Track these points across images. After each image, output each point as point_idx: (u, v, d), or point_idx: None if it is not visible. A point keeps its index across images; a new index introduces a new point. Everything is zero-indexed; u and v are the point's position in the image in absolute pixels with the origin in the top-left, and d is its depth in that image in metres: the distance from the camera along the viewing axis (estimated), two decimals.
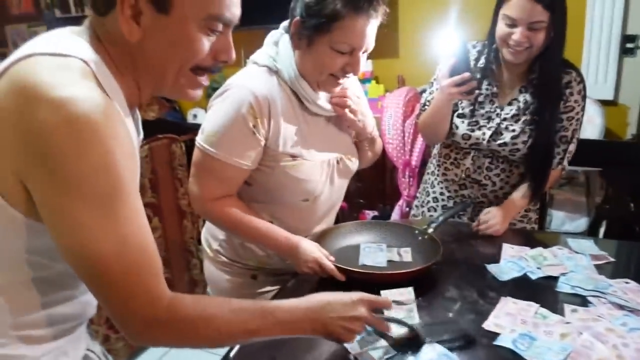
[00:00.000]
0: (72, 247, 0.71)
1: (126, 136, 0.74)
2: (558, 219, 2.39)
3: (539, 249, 1.37)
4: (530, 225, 1.70)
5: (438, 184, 1.73)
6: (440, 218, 1.43)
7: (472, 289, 1.21)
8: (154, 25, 0.77)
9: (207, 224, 1.45)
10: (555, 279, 1.23)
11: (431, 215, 1.71)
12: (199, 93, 0.87)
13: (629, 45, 2.72)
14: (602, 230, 2.33)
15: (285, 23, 1.28)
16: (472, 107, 1.59)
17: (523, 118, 1.55)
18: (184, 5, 0.77)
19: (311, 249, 1.23)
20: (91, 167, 0.68)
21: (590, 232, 2.39)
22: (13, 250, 0.76)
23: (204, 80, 0.86)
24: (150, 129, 2.44)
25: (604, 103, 2.67)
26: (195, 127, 3.77)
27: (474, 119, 1.59)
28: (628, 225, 2.26)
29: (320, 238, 1.34)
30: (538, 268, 1.28)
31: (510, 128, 1.55)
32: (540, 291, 1.19)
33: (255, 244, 1.34)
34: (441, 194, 1.72)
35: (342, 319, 0.89)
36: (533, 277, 1.25)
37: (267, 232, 1.26)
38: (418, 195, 1.83)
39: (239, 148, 1.20)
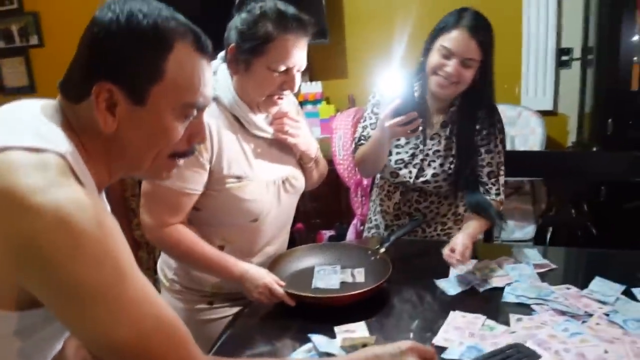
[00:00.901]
0: (94, 341, 0.71)
1: (110, 220, 0.73)
2: (507, 228, 2.48)
3: (486, 261, 1.42)
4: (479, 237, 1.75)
5: (376, 212, 1.79)
6: (392, 237, 1.46)
7: (422, 305, 1.24)
8: (129, 116, 0.77)
9: (163, 253, 1.44)
10: (501, 289, 1.28)
11: (384, 233, 1.74)
12: (171, 176, 0.89)
13: (564, 58, 2.88)
14: (548, 237, 2.42)
15: (222, 53, 1.33)
16: (398, 142, 1.62)
17: (444, 154, 1.60)
18: (160, 96, 0.77)
19: (260, 275, 1.25)
20: (86, 265, 0.67)
21: (538, 238, 2.48)
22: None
23: (181, 162, 0.88)
24: None
25: (544, 114, 2.80)
26: None
27: (399, 157, 1.62)
28: (572, 231, 2.36)
29: (275, 262, 1.35)
30: (485, 280, 1.32)
31: (433, 165, 1.60)
32: (487, 303, 1.23)
33: (207, 273, 1.34)
34: (381, 222, 1.77)
35: None
36: (480, 289, 1.29)
37: (217, 261, 1.27)
38: (368, 217, 1.86)
39: (184, 174, 1.22)
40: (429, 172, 1.60)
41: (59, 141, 0.74)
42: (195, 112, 0.82)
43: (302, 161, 1.45)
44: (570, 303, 1.18)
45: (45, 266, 0.66)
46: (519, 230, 2.53)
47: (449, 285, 1.31)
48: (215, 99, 1.28)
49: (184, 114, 0.81)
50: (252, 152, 1.32)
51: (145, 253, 2.49)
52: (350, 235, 2.15)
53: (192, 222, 1.31)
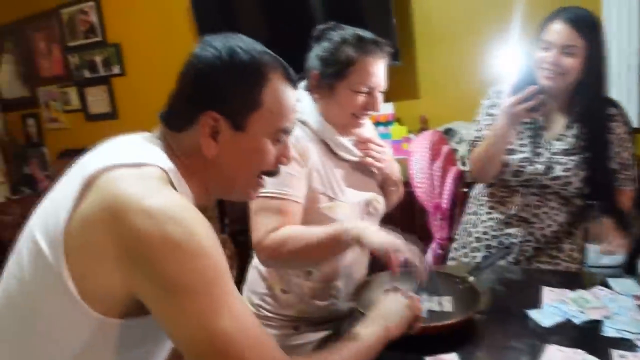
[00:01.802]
0: (193, 336, 0.75)
1: (207, 226, 0.79)
2: (594, 253, 2.36)
3: (580, 292, 1.35)
4: (575, 265, 1.69)
5: (481, 223, 1.72)
6: (481, 266, 1.43)
7: (515, 337, 1.20)
8: (230, 141, 0.86)
9: (249, 279, 1.49)
10: (599, 322, 1.22)
11: (474, 257, 1.71)
12: (255, 196, 0.98)
13: None
14: None
15: (303, 83, 1.41)
16: (521, 141, 1.61)
17: (574, 152, 1.57)
18: (258, 123, 0.87)
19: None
20: (191, 260, 0.74)
21: (629, 265, 2.34)
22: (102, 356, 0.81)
23: (264, 182, 0.97)
24: None
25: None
26: None
27: (523, 156, 1.60)
28: None
29: (360, 288, 1.35)
30: (581, 312, 1.27)
31: (562, 161, 1.57)
32: (585, 336, 1.18)
33: (324, 255, 1.29)
34: (484, 233, 1.72)
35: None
36: (576, 321, 1.24)
37: (328, 231, 1.21)
38: (457, 237, 1.83)
39: (292, 182, 1.28)
40: (558, 168, 1.57)
41: (159, 159, 0.82)
42: (283, 137, 0.92)
43: (384, 184, 1.49)
44: None
45: (154, 262, 0.73)
46: (607, 256, 2.40)
47: (543, 316, 1.26)
48: (304, 124, 1.35)
49: (277, 138, 0.91)
50: (340, 175, 1.37)
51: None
52: (429, 259, 2.12)
53: None
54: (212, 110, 0.84)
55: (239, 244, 2.64)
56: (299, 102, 1.33)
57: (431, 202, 2.15)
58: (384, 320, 1.06)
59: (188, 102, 0.87)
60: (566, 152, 1.57)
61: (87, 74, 4.38)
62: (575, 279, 1.49)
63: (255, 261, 1.49)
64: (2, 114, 5.32)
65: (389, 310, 1.10)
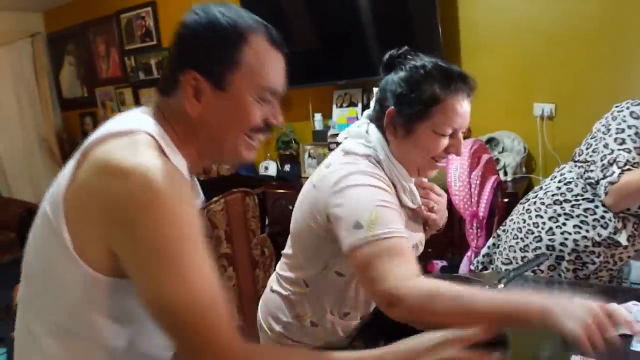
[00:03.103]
0: (151, 299, 0.80)
1: (188, 195, 0.84)
2: (638, 270, 2.30)
3: (612, 305, 1.33)
4: (618, 279, 1.67)
5: (562, 234, 1.65)
6: (512, 273, 1.43)
7: (543, 347, 1.20)
8: (212, 100, 0.89)
9: (270, 304, 1.37)
10: (629, 337, 1.21)
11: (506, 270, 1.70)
12: (252, 155, 0.98)
13: None
14: None
15: (368, 112, 1.30)
16: None
17: None
18: (238, 82, 0.90)
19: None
20: (158, 221, 0.78)
21: None
22: (94, 315, 0.86)
23: (256, 143, 0.97)
24: (225, 184, 2.59)
25: None
26: (267, 179, 3.91)
27: None
28: None
29: None
30: None
31: None
32: (613, 350, 1.16)
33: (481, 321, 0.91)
34: (562, 244, 1.65)
35: None
36: None
37: (503, 300, 0.95)
38: (512, 243, 1.78)
39: (393, 216, 1.08)
40: None
41: (147, 125, 0.87)
42: (269, 96, 0.93)
43: (427, 226, 1.38)
44: None
45: (124, 222, 0.78)
46: None
47: None
48: (379, 162, 1.20)
49: (261, 98, 0.92)
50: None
51: (262, 272, 2.61)
52: (464, 267, 2.12)
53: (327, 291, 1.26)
54: (192, 70, 0.88)
55: (278, 245, 2.71)
56: (368, 135, 1.23)
57: (468, 211, 2.15)
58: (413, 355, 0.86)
59: (172, 65, 0.93)
60: None
61: (142, 76, 4.58)
62: (609, 293, 1.47)
63: (276, 286, 1.36)
64: (61, 113, 5.62)
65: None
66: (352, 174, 1.12)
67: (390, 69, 1.24)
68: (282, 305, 1.34)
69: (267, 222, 3.35)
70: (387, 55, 1.25)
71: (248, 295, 2.55)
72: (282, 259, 1.38)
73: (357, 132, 1.25)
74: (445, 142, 1.18)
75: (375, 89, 1.32)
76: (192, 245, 0.81)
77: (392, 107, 1.19)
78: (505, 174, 2.83)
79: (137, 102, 4.70)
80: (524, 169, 2.91)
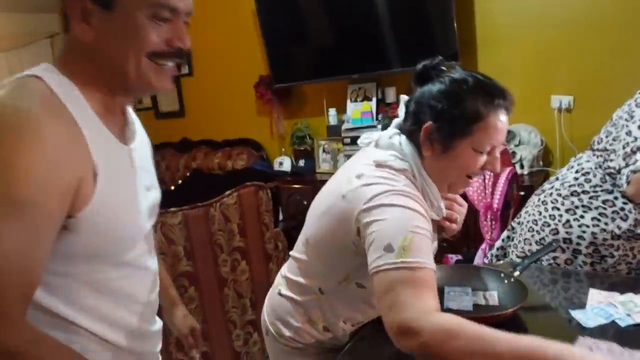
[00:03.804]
0: None
1: (57, 143, 0.78)
2: None
3: (629, 295, 1.30)
4: (636, 271, 1.63)
5: (579, 227, 1.62)
6: (526, 261, 1.41)
7: (554, 335, 1.17)
8: (103, 22, 0.84)
9: (279, 309, 1.34)
10: None
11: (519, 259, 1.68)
12: (167, 83, 0.92)
13: None
14: None
15: (397, 121, 1.25)
16: None
17: None
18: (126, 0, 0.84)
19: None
20: None
21: None
22: None
23: (170, 69, 0.91)
24: (239, 178, 2.60)
25: None
26: (281, 174, 3.91)
27: None
28: None
29: None
30: (628, 315, 1.22)
31: None
32: (629, 339, 1.13)
33: None
34: (579, 237, 1.62)
35: None
36: (622, 324, 1.19)
37: (524, 344, 0.88)
38: (528, 236, 1.74)
39: (428, 247, 1.04)
40: None
41: (41, 69, 0.85)
42: (167, 14, 0.87)
43: (443, 232, 1.36)
44: None
45: None
46: None
47: (586, 317, 1.22)
48: (414, 177, 1.15)
49: (156, 16, 0.85)
50: None
51: (275, 265, 2.62)
52: (479, 259, 2.09)
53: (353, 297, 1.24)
54: None
55: (292, 239, 2.71)
56: (401, 148, 1.17)
57: (482, 203, 2.12)
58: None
59: None
60: None
61: None
62: (628, 284, 1.44)
63: (285, 290, 1.33)
64: None
65: None
66: (391, 192, 1.06)
67: (424, 81, 1.18)
68: (292, 310, 1.30)
69: (281, 217, 3.35)
70: (420, 66, 1.19)
71: (261, 288, 2.55)
72: (293, 263, 1.34)
73: (388, 143, 1.19)
74: (483, 159, 1.14)
75: (403, 97, 1.26)
76: (20, 202, 0.75)
77: (431, 122, 1.13)
78: (522, 167, 2.79)
79: (154, 101, 4.75)
80: (541, 162, 2.87)
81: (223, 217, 2.30)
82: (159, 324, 1.12)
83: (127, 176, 0.95)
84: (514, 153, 2.81)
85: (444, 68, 1.18)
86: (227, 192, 2.34)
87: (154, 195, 1.06)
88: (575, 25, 2.74)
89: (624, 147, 1.50)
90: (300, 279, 1.29)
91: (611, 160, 1.56)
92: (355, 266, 1.17)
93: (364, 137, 1.28)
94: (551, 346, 0.85)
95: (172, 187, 2.41)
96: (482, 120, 1.10)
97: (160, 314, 1.15)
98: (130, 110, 1.04)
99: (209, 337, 2.23)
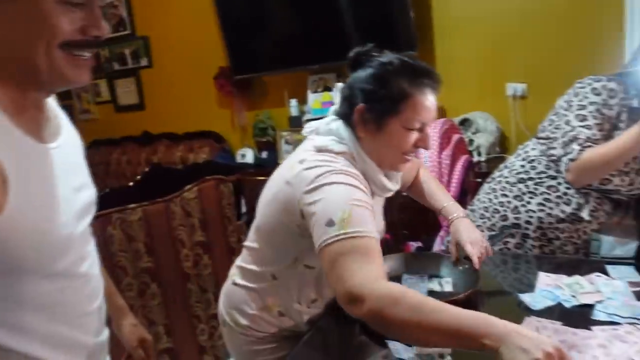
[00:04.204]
0: None
1: None
2: (608, 244, 2.33)
3: (576, 277, 1.36)
4: (583, 250, 1.71)
5: (527, 212, 1.68)
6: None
7: (504, 317, 1.22)
8: (5, 10, 0.73)
9: (233, 298, 1.37)
10: (591, 307, 1.23)
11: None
12: (83, 75, 0.81)
13: None
14: None
15: (335, 108, 1.31)
16: None
17: None
18: None
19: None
20: None
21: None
22: None
23: (86, 60, 0.81)
24: (201, 172, 2.58)
25: None
26: (244, 167, 3.88)
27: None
28: None
29: None
30: (573, 296, 1.28)
31: None
32: (574, 319, 1.19)
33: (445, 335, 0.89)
34: (527, 222, 1.67)
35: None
36: (567, 305, 1.25)
37: (468, 313, 0.89)
38: (480, 223, 1.77)
39: (369, 218, 1.08)
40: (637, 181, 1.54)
41: None
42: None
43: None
44: None
45: None
46: (620, 247, 2.36)
47: (534, 300, 1.27)
48: (353, 159, 1.21)
49: (67, 1, 0.75)
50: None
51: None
52: (437, 246, 2.14)
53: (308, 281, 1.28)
54: None
55: None
56: (338, 132, 1.23)
57: None
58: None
59: None
60: None
61: (116, 66, 4.52)
62: (574, 265, 1.50)
63: (240, 279, 1.37)
64: None
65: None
66: (330, 172, 1.11)
67: (357, 66, 1.24)
68: (247, 298, 1.33)
69: (244, 210, 3.34)
70: (352, 52, 1.25)
71: (224, 283, 2.55)
72: (246, 252, 1.37)
73: (327, 129, 1.25)
74: (414, 136, 1.21)
75: (338, 84, 1.31)
76: None
77: (362, 104, 1.20)
78: (479, 154, 2.86)
79: (113, 94, 4.65)
80: (497, 149, 2.93)
81: (184, 212, 2.28)
82: (105, 334, 1.01)
83: (48, 178, 0.83)
84: (471, 141, 2.87)
85: (374, 54, 1.23)
86: (188, 187, 2.32)
87: (87, 194, 0.95)
88: (529, 15, 2.80)
89: (562, 136, 1.57)
90: (254, 267, 1.32)
91: (554, 148, 1.62)
92: (301, 249, 1.22)
93: (307, 127, 1.33)
94: (493, 320, 0.86)
95: (131, 184, 2.36)
96: (409, 99, 1.17)
97: (108, 323, 1.05)
98: (53, 106, 0.94)
99: (173, 333, 2.22)
